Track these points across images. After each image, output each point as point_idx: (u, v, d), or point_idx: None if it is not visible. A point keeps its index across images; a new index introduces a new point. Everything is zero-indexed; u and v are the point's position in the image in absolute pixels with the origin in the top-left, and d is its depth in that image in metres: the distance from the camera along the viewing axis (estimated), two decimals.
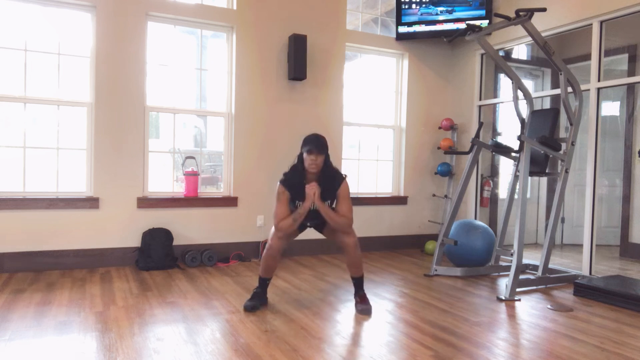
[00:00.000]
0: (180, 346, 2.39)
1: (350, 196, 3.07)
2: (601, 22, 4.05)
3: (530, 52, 5.64)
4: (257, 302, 3.05)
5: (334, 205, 3.08)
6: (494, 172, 5.50)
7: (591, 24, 4.11)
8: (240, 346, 2.40)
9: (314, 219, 3.11)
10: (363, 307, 3.06)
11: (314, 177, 2.99)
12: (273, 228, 3.06)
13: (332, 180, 3.01)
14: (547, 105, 5.71)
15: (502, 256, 4.68)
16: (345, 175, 3.09)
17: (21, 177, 3.97)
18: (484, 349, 2.47)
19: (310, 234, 4.88)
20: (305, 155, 2.93)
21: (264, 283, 3.12)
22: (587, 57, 4.19)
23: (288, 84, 4.77)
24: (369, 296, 3.41)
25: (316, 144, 2.90)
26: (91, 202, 4.07)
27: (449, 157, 5.60)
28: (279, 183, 3.01)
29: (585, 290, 3.54)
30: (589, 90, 4.11)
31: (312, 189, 2.92)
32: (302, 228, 3.18)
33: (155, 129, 4.82)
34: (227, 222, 4.58)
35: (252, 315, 2.91)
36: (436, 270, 4.16)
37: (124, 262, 4.20)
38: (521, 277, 3.93)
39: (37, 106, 4.01)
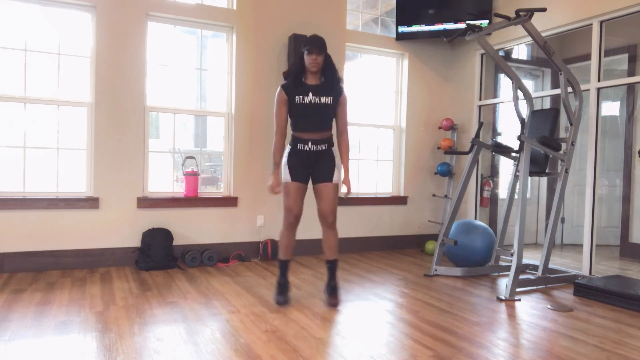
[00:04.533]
0: (180, 346, 2.39)
1: (349, 192, 3.18)
2: (601, 22, 4.05)
3: (530, 52, 5.64)
4: (287, 295, 3.19)
5: (328, 101, 3.06)
6: (494, 172, 5.50)
7: (591, 24, 4.11)
8: (240, 346, 2.40)
9: (316, 165, 3.15)
10: (332, 301, 3.16)
11: (314, 75, 3.07)
12: (284, 215, 3.15)
13: (334, 80, 3.09)
14: (547, 105, 5.71)
15: (502, 256, 4.67)
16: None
17: (21, 177, 3.97)
18: (484, 349, 2.47)
19: (310, 233, 4.89)
20: (305, 54, 3.00)
21: (284, 266, 3.21)
22: (587, 57, 4.19)
23: None
24: (369, 296, 3.42)
25: (316, 43, 2.98)
26: (91, 202, 4.07)
27: (449, 157, 5.60)
28: (279, 87, 3.11)
29: (585, 290, 3.54)
30: (589, 90, 4.11)
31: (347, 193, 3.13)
32: (305, 179, 3.18)
33: (155, 129, 4.82)
34: (227, 222, 4.59)
35: (252, 315, 2.91)
36: (436, 270, 4.16)
37: (124, 262, 4.20)
38: (521, 277, 3.93)
39: (37, 106, 4.01)
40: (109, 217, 4.15)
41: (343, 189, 3.25)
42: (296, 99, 3.05)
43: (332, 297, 3.18)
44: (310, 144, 3.09)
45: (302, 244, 4.88)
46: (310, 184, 3.22)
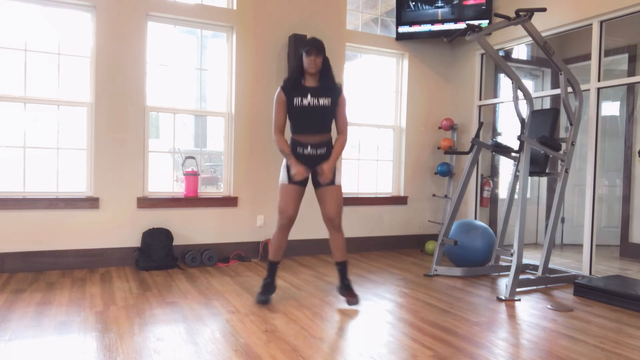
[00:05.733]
0: (180, 346, 2.39)
1: (345, 195, 3.14)
2: (601, 22, 4.05)
3: (530, 52, 5.64)
4: (269, 295, 3.18)
5: (327, 103, 3.08)
6: (494, 172, 5.50)
7: (591, 24, 4.11)
8: (240, 346, 2.41)
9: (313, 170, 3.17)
10: (351, 300, 3.17)
11: (312, 77, 3.08)
12: (278, 216, 3.14)
13: (331, 82, 3.11)
14: (547, 105, 5.71)
15: (502, 256, 4.68)
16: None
17: (21, 177, 3.97)
18: (484, 349, 2.47)
19: (310, 234, 4.89)
20: (304, 56, 3.03)
21: (273, 267, 3.21)
22: (587, 57, 4.19)
23: None
24: (369, 296, 3.42)
25: (315, 44, 3.00)
26: (91, 202, 4.07)
27: (449, 157, 5.60)
28: (279, 88, 3.12)
29: (585, 290, 3.54)
30: (589, 90, 4.11)
31: (325, 177, 3.04)
32: (302, 182, 3.16)
33: (155, 129, 4.82)
34: (227, 222, 4.59)
35: (252, 315, 2.91)
36: (436, 270, 4.16)
37: (124, 262, 4.20)
38: (521, 277, 3.93)
39: (37, 106, 4.01)
40: (109, 217, 4.15)
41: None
42: (295, 101, 3.06)
43: (350, 295, 3.19)
44: (309, 147, 3.10)
45: (302, 244, 4.88)
46: (308, 187, 3.22)
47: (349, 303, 3.17)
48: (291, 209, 3.12)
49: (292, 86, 3.08)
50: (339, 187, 3.15)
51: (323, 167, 3.05)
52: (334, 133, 3.28)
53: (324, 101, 3.07)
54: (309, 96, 3.05)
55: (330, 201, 3.11)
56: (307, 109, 3.05)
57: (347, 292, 3.21)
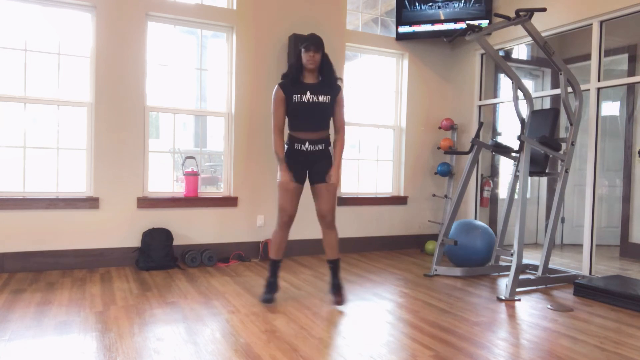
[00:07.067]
0: (180, 346, 2.39)
1: (345, 195, 3.13)
2: (601, 22, 4.05)
3: (530, 52, 5.64)
4: (273, 294, 3.20)
5: (326, 100, 3.07)
6: (494, 172, 5.50)
7: (591, 24, 4.11)
8: (240, 346, 2.41)
9: (312, 171, 3.17)
10: (338, 300, 3.19)
11: (311, 73, 3.07)
12: (278, 214, 3.16)
13: (331, 79, 3.10)
14: (547, 105, 5.71)
15: (502, 256, 4.68)
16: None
17: (21, 177, 3.97)
18: (484, 349, 2.47)
19: (310, 234, 4.89)
20: (303, 52, 3.01)
21: (275, 266, 3.22)
22: (587, 57, 4.19)
23: None
24: (369, 296, 3.42)
25: (314, 40, 2.99)
26: (91, 202, 4.07)
27: (449, 157, 5.60)
28: (277, 85, 3.10)
29: (585, 290, 3.54)
30: (589, 90, 4.11)
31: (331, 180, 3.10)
32: (301, 180, 3.16)
33: (155, 129, 4.82)
34: (227, 222, 4.59)
35: (252, 315, 2.91)
36: (436, 270, 4.16)
37: (124, 262, 4.20)
38: (521, 277, 3.93)
39: (37, 106, 4.01)
40: (109, 217, 4.15)
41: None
42: (294, 98, 3.05)
43: (337, 295, 3.19)
44: (307, 144, 3.09)
45: (302, 244, 4.88)
46: (307, 184, 3.22)
47: (335, 303, 3.18)
48: (291, 207, 3.13)
49: (291, 82, 3.06)
50: (335, 185, 3.15)
51: (331, 173, 3.10)
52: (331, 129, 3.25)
53: (323, 98, 3.06)
54: (308, 93, 3.05)
55: (324, 198, 3.12)
56: (306, 105, 3.04)
57: (335, 291, 3.22)
